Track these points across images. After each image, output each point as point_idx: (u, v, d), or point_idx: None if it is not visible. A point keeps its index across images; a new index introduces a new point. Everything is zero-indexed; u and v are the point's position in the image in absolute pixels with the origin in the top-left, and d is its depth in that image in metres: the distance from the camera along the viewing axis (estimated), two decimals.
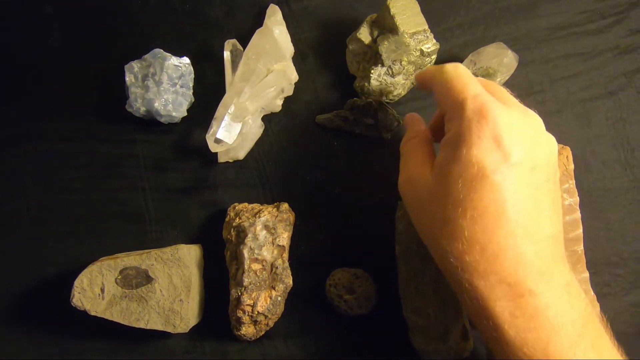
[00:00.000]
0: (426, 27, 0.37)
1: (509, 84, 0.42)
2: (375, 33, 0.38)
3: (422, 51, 0.37)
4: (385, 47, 0.36)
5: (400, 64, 0.37)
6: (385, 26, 0.37)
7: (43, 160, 0.42)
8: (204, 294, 0.39)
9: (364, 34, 0.38)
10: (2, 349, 0.39)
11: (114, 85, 0.43)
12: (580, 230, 0.37)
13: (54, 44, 0.45)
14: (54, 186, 0.42)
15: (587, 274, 0.36)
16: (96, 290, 0.34)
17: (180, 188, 0.41)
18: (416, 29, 0.36)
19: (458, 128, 0.26)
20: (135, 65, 0.41)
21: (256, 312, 0.35)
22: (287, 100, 0.42)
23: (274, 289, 0.35)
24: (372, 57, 0.38)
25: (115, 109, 0.42)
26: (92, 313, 0.34)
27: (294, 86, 0.42)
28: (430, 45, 0.37)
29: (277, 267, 0.35)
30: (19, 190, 0.42)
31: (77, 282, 0.35)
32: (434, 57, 0.39)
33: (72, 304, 0.34)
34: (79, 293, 0.34)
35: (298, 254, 0.39)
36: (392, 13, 0.36)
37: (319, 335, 0.38)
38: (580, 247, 0.37)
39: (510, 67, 0.39)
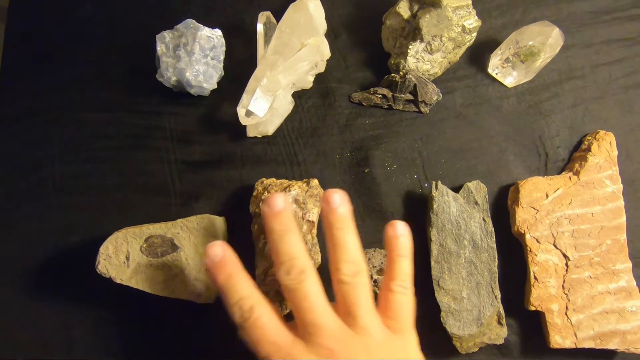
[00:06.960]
0: (469, 2, 0.36)
1: (548, 68, 0.40)
2: (415, 8, 0.37)
3: (463, 27, 0.36)
4: (426, 21, 0.35)
5: (440, 40, 0.36)
6: (427, 0, 0.36)
7: (70, 130, 0.42)
8: None
9: (404, 8, 0.37)
10: (23, 316, 0.38)
11: (143, 57, 0.42)
12: (624, 219, 0.35)
13: (85, 14, 0.44)
14: (80, 156, 0.41)
15: (630, 264, 0.35)
16: (121, 257, 0.34)
17: (207, 162, 0.41)
18: (459, 3, 0.35)
19: None
20: (167, 35, 0.40)
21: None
22: (318, 78, 0.42)
23: None
24: (411, 32, 0.37)
25: (144, 81, 0.42)
26: (117, 281, 0.34)
27: (325, 63, 0.41)
28: (473, 21, 0.36)
29: (306, 243, 0.34)
30: (45, 159, 0.41)
31: (102, 249, 0.34)
32: (474, 34, 0.38)
33: (98, 270, 0.34)
34: (105, 260, 0.34)
35: None
36: None
37: None
38: (622, 236, 0.35)
39: (555, 46, 0.37)
